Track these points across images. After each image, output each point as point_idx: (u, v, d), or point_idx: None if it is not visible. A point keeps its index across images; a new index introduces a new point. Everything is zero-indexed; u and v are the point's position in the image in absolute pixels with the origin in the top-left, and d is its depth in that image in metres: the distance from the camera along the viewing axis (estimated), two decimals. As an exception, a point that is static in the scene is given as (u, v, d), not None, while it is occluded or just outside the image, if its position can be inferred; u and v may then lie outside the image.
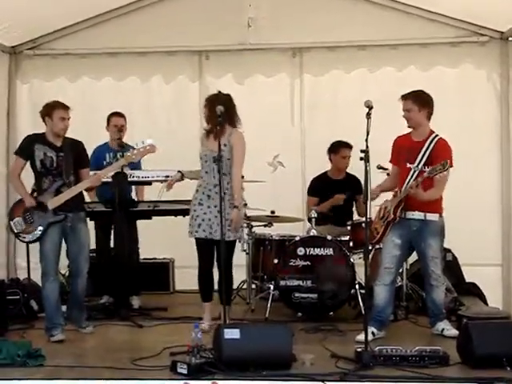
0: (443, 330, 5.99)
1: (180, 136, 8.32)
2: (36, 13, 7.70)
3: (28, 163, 6.12)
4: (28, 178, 6.23)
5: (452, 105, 7.95)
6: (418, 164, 5.93)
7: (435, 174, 5.66)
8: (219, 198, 5.70)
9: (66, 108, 6.08)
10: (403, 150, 6.07)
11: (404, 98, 6.02)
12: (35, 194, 6.14)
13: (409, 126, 6.06)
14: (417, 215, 5.93)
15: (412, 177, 5.93)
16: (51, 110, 6.04)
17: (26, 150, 6.09)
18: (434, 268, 5.98)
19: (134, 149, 6.33)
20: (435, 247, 5.96)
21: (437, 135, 6.01)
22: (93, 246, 7.42)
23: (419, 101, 5.98)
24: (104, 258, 7.40)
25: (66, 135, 6.14)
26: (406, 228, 5.96)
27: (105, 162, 7.34)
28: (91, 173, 6.30)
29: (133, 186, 7.61)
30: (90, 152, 6.67)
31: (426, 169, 5.85)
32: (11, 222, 6.13)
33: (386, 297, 5.97)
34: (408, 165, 5.98)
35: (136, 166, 7.20)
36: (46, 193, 6.04)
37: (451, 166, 5.85)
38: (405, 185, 5.94)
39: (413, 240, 6.01)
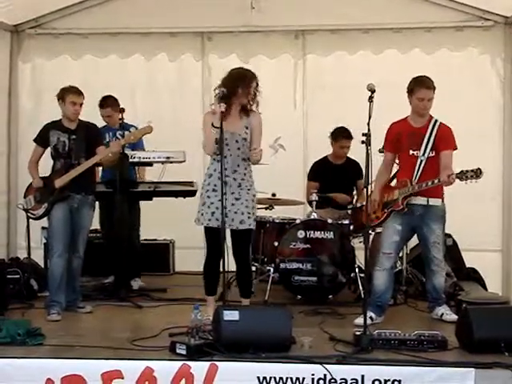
0: (442, 314, 6.00)
1: (183, 114, 8.30)
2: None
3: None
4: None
5: (456, 88, 7.92)
6: (424, 152, 5.89)
7: (465, 179, 5.54)
8: (236, 185, 5.62)
9: (78, 93, 6.26)
10: (403, 136, 6.00)
11: (429, 87, 5.89)
12: (46, 176, 6.33)
13: (421, 114, 5.95)
14: (420, 200, 5.91)
15: (420, 166, 5.88)
16: (64, 93, 6.24)
17: (42, 138, 6.36)
18: (436, 253, 5.98)
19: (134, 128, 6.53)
20: (438, 232, 5.96)
21: (436, 120, 5.99)
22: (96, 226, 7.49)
23: (435, 89, 5.93)
24: (108, 238, 7.41)
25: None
26: (408, 214, 5.94)
27: (105, 142, 7.32)
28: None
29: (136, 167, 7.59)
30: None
31: (431, 154, 5.83)
32: (24, 200, 6.50)
33: (385, 282, 5.97)
34: (411, 152, 5.93)
35: (138, 145, 7.19)
36: (57, 173, 6.24)
37: (455, 149, 5.86)
38: (414, 174, 5.86)
39: (415, 225, 6.00)
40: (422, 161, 5.90)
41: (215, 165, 5.68)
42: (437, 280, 6.04)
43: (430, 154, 5.89)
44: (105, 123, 7.52)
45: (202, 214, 5.74)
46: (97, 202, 6.99)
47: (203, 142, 5.76)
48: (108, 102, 7.50)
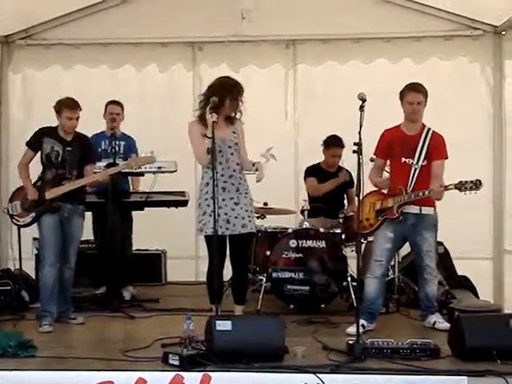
0: (435, 322, 6.00)
1: (174, 125, 8.27)
2: (28, 2, 7.68)
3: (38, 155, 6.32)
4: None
5: (446, 97, 7.96)
6: (418, 160, 5.90)
7: (464, 190, 5.54)
8: (234, 190, 5.67)
9: (74, 108, 6.22)
10: (395, 143, 6.01)
11: (418, 90, 5.93)
12: (39, 183, 6.30)
13: (411, 120, 5.98)
14: (412, 209, 5.92)
15: (415, 174, 5.89)
16: (61, 107, 6.21)
17: (35, 142, 6.31)
18: (429, 262, 5.99)
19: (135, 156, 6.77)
20: (430, 241, 5.97)
21: (429, 128, 6.01)
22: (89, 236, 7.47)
23: (427, 95, 5.96)
24: (101, 249, 7.39)
25: None
26: (400, 222, 5.95)
27: (99, 150, 7.32)
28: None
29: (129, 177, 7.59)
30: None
31: (424, 163, 5.86)
32: (10, 205, 6.43)
33: (377, 289, 5.97)
34: (404, 160, 5.94)
35: (134, 151, 7.27)
36: (49, 183, 6.20)
37: (446, 158, 5.88)
38: (409, 183, 5.87)
39: (407, 234, 6.01)
40: (416, 169, 5.91)
41: (210, 173, 5.62)
42: (429, 288, 6.05)
43: (423, 163, 5.91)
44: (101, 130, 7.47)
45: (205, 224, 5.73)
46: (90, 213, 7.01)
47: (195, 155, 5.79)
48: (119, 102, 7.53)
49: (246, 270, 6.03)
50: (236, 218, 5.71)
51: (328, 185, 7.39)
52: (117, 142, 7.31)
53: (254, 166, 5.79)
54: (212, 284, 5.73)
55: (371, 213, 6.11)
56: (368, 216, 6.12)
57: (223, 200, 5.64)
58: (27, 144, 6.36)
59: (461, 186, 5.56)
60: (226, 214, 5.66)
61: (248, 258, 6.01)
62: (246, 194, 5.86)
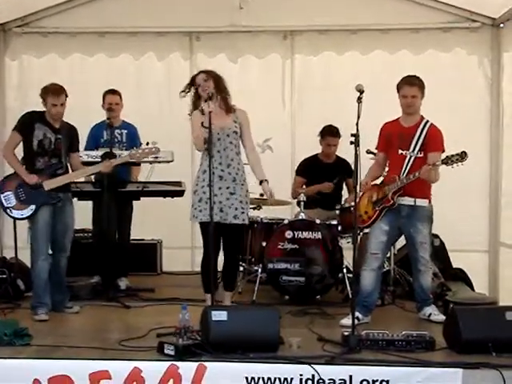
0: (430, 314, 6.01)
1: (171, 114, 8.27)
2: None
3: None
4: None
5: (443, 89, 7.95)
6: (414, 150, 5.90)
7: (451, 164, 5.57)
8: (230, 179, 5.67)
9: (57, 94, 6.03)
10: (393, 136, 6.02)
11: (411, 84, 5.91)
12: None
13: (407, 113, 5.98)
14: (407, 200, 5.93)
15: (409, 163, 5.90)
16: (45, 95, 6.06)
17: (27, 127, 6.08)
18: (423, 253, 6.00)
19: (140, 147, 6.60)
20: (424, 232, 5.97)
21: (427, 121, 6.00)
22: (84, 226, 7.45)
23: (423, 88, 5.94)
24: (96, 237, 7.37)
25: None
26: (394, 214, 5.96)
27: (102, 140, 7.29)
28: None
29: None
30: (85, 130, 6.65)
31: (420, 155, 5.86)
32: (1, 195, 6.08)
33: (373, 282, 5.97)
34: (400, 151, 5.94)
35: (136, 143, 7.19)
36: (43, 173, 6.07)
37: (443, 151, 5.88)
38: (402, 171, 5.89)
39: (401, 225, 6.02)
40: (410, 157, 5.92)
41: (208, 161, 5.60)
42: (424, 280, 6.06)
43: (419, 155, 5.91)
44: (102, 120, 7.38)
45: (201, 211, 5.72)
46: (90, 202, 6.97)
47: (193, 139, 5.81)
48: (117, 91, 7.48)
49: (237, 258, 6.03)
50: (230, 207, 5.71)
51: (312, 189, 7.40)
52: (118, 131, 7.31)
53: (261, 184, 5.90)
54: (207, 272, 5.71)
55: (369, 205, 6.11)
56: (366, 209, 6.12)
57: (219, 188, 5.68)
58: (15, 128, 6.13)
59: (447, 161, 5.58)
60: (220, 202, 5.68)
61: (239, 247, 5.98)
62: (243, 184, 5.85)
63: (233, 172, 5.77)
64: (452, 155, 5.59)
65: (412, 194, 5.90)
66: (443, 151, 5.91)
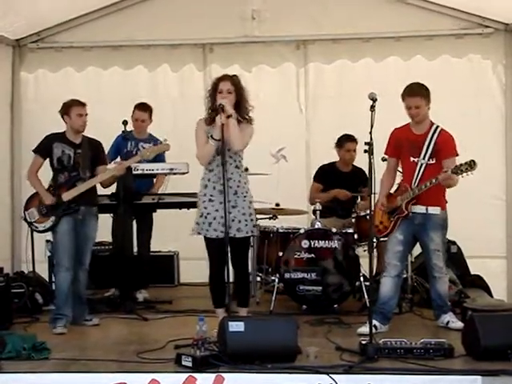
0: (448, 322, 5.99)
1: (185, 125, 8.18)
2: (39, 6, 7.71)
3: (47, 161, 6.33)
4: (45, 174, 6.39)
5: (458, 95, 7.97)
6: (424, 157, 5.89)
7: (460, 173, 5.54)
8: (231, 193, 5.53)
9: (82, 105, 6.30)
10: (405, 143, 6.00)
11: (413, 94, 5.87)
12: (52, 189, 6.29)
13: (415, 122, 5.96)
14: (419, 209, 5.91)
15: (420, 170, 5.89)
16: (68, 108, 6.26)
17: (45, 148, 6.32)
18: (436, 260, 5.97)
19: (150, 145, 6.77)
20: (437, 240, 5.94)
21: (438, 126, 5.98)
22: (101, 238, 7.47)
23: (426, 96, 5.91)
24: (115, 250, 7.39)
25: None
26: (408, 222, 5.95)
27: (125, 150, 7.27)
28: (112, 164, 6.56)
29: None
30: (104, 142, 6.67)
31: (431, 161, 5.84)
32: (26, 212, 6.38)
33: (391, 289, 5.96)
34: (412, 159, 5.93)
35: (160, 158, 7.22)
36: (62, 186, 6.23)
37: (457, 155, 5.85)
38: (414, 179, 5.88)
39: (416, 233, 6.01)
40: (422, 165, 5.90)
41: (208, 175, 5.64)
42: (440, 287, 6.04)
43: (430, 161, 5.89)
44: (128, 130, 7.34)
45: (199, 224, 5.68)
46: (108, 215, 7.01)
47: (197, 153, 5.71)
48: (147, 107, 7.55)
49: (246, 272, 5.90)
50: (233, 221, 5.55)
51: (328, 195, 7.42)
52: (143, 144, 7.37)
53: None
54: (213, 287, 5.74)
55: (384, 215, 6.10)
56: (381, 219, 6.11)
57: (220, 203, 5.50)
58: (35, 151, 6.35)
59: (457, 170, 5.55)
60: (222, 217, 5.50)
61: (247, 260, 5.86)
62: (245, 197, 5.68)
63: (234, 185, 5.61)
64: (461, 164, 5.55)
65: (424, 203, 5.88)
66: (457, 155, 5.88)
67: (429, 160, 5.89)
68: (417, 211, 5.92)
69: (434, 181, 5.74)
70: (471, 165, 5.50)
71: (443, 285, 6.05)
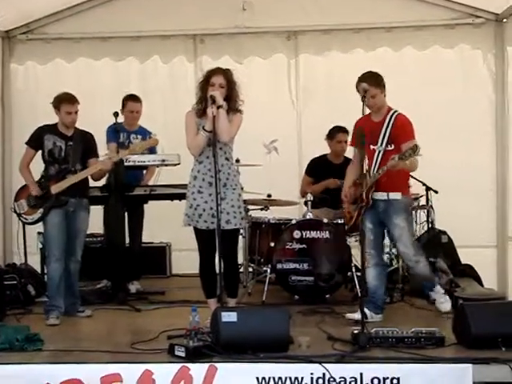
0: (435, 301, 6.04)
1: (176, 116, 8.18)
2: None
3: (39, 153, 6.33)
4: (37, 166, 6.39)
5: (448, 84, 7.98)
6: (382, 143, 5.83)
7: (406, 159, 5.51)
8: (221, 185, 5.47)
9: (72, 102, 6.24)
10: (365, 132, 5.86)
11: (358, 82, 5.81)
12: (42, 180, 6.31)
13: (374, 111, 5.90)
14: (380, 196, 5.86)
15: (378, 158, 5.84)
16: (59, 104, 6.25)
17: (36, 140, 6.33)
18: (404, 248, 5.95)
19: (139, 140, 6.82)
20: (401, 224, 5.88)
21: (395, 111, 5.90)
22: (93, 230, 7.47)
23: (376, 82, 5.84)
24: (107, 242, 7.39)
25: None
26: (373, 210, 5.91)
27: (117, 142, 7.25)
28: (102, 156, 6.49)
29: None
30: (94, 134, 6.64)
31: (390, 147, 5.79)
32: (15, 204, 6.42)
33: (375, 278, 5.95)
34: (372, 147, 5.88)
35: (152, 150, 7.23)
36: (53, 178, 6.22)
37: (413, 138, 5.77)
38: (373, 166, 5.85)
39: (382, 220, 5.97)
40: (379, 152, 5.85)
41: (198, 166, 5.63)
42: (418, 271, 6.02)
43: (389, 148, 5.82)
44: (119, 122, 7.25)
45: (189, 216, 5.68)
46: (100, 207, 7.00)
47: (187, 144, 5.69)
48: (139, 98, 7.51)
49: (235, 264, 5.89)
50: (221, 212, 5.50)
51: (319, 186, 7.44)
52: (134, 136, 7.36)
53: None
54: (204, 278, 5.77)
55: (350, 206, 6.09)
56: (349, 209, 6.12)
57: (210, 195, 5.52)
58: (28, 143, 6.36)
59: (402, 156, 5.51)
60: (211, 208, 5.52)
61: (236, 252, 5.83)
62: (234, 189, 5.66)
63: (223, 177, 5.57)
64: (406, 150, 5.51)
65: (385, 189, 5.83)
66: (413, 138, 5.78)
67: (386, 146, 5.82)
68: (378, 198, 5.86)
69: (384, 168, 5.69)
70: (414, 149, 5.44)
71: (421, 268, 5.99)
